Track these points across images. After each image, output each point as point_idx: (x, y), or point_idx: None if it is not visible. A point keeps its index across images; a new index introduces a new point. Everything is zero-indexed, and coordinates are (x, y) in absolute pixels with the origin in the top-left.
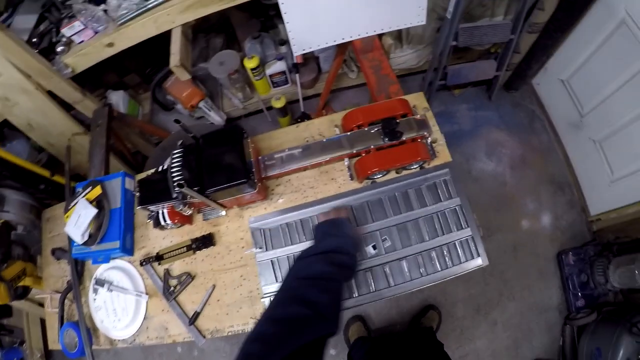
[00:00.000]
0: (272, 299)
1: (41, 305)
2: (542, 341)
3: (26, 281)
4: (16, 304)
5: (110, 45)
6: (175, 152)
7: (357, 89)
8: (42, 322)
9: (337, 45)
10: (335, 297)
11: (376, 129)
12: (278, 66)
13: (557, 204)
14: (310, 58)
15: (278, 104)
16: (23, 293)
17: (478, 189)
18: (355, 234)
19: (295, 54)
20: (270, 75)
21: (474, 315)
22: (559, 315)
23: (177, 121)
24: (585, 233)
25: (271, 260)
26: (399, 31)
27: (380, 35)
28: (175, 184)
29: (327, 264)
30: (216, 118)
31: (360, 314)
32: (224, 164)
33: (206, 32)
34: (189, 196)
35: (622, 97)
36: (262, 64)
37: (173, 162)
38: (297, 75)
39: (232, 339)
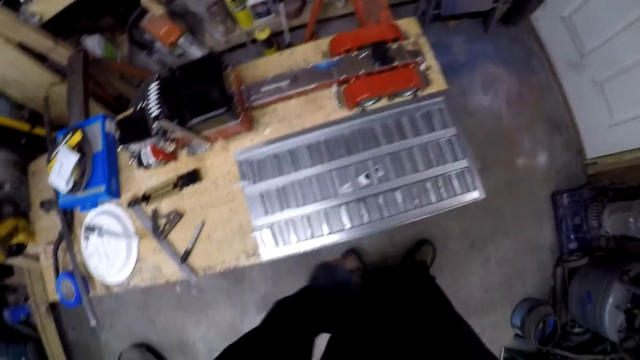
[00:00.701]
0: None
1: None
2: (533, 280)
3: (20, 237)
4: (15, 262)
5: None
6: (151, 86)
7: (346, 19)
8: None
9: None
10: None
11: (365, 54)
12: None
13: (553, 144)
14: None
15: (262, 35)
16: (18, 250)
17: (474, 123)
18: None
19: None
20: (253, 6)
21: (468, 251)
22: (551, 256)
23: (149, 52)
24: (581, 175)
25: (260, 193)
26: None
27: None
28: (152, 117)
29: None
30: (197, 54)
31: (355, 247)
32: (202, 94)
33: None
34: (170, 131)
35: (627, 39)
36: None
37: (149, 97)
38: (281, 4)
39: (229, 275)
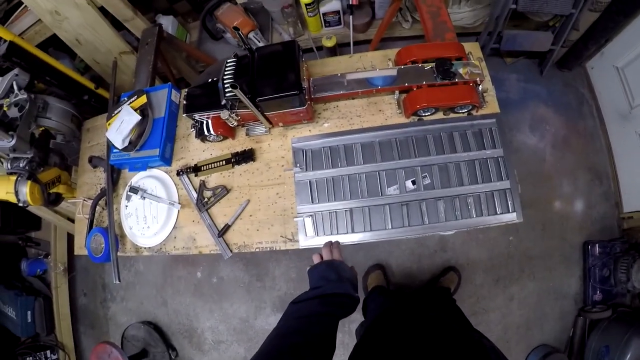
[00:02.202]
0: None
1: (70, 220)
2: (553, 327)
3: (60, 188)
4: (47, 215)
5: None
6: (229, 60)
7: (409, 41)
8: (69, 238)
9: None
10: (329, 330)
11: (429, 67)
12: (333, 5)
13: (592, 193)
14: (365, 2)
15: (329, 43)
16: (56, 199)
17: (517, 160)
18: (352, 275)
19: None
20: (324, 14)
21: (492, 286)
22: (574, 305)
23: (235, 31)
24: (615, 228)
25: (309, 181)
26: None
27: None
28: (227, 85)
29: (324, 305)
30: None
31: (382, 262)
32: (277, 76)
33: None
34: (237, 104)
35: None
36: (317, 1)
37: (226, 69)
38: (351, 16)
39: (252, 270)
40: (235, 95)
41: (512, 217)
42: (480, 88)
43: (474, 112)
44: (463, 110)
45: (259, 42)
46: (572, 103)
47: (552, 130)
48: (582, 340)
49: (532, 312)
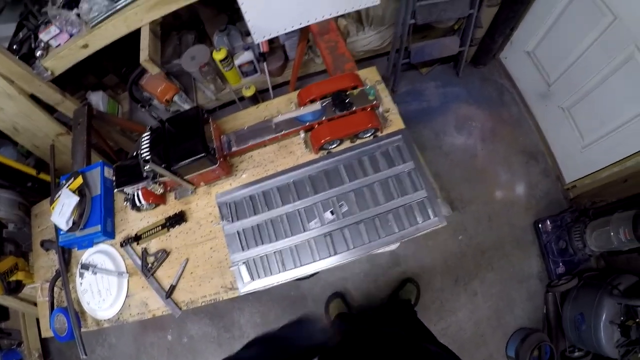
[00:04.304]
0: None
1: (36, 305)
2: (524, 309)
3: (18, 275)
4: (11, 304)
5: (85, 46)
6: (144, 135)
7: (325, 75)
8: (39, 324)
9: (299, 31)
10: None
11: (327, 102)
12: (246, 56)
13: (530, 174)
14: (277, 47)
15: (248, 92)
16: (16, 287)
17: (449, 162)
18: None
19: (256, 42)
20: (239, 66)
21: (453, 287)
22: (540, 283)
23: (142, 105)
24: (562, 201)
25: (237, 231)
26: (359, 14)
27: (335, 18)
28: (143, 161)
29: None
30: None
31: (340, 290)
32: (186, 142)
33: (178, 29)
34: (158, 174)
35: (584, 63)
36: (231, 55)
37: (142, 144)
38: (264, 63)
39: (218, 323)
40: (151, 167)
41: (433, 222)
42: (381, 109)
43: (378, 134)
44: (367, 135)
45: (184, 103)
46: (492, 95)
47: (478, 126)
48: (557, 314)
49: (499, 301)
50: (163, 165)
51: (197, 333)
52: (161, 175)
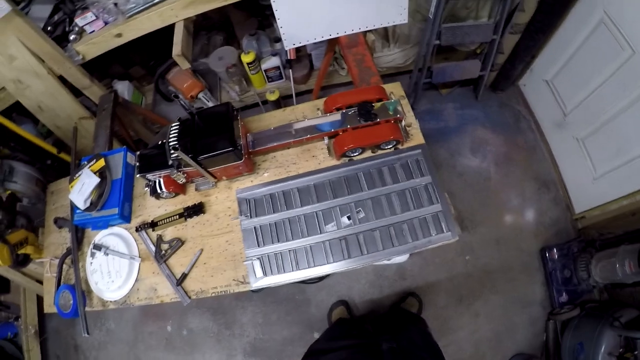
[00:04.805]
0: None
1: (39, 282)
2: (525, 335)
3: (27, 249)
4: (15, 277)
5: (119, 35)
6: (173, 124)
7: (348, 86)
8: (39, 300)
9: (326, 41)
10: None
11: (353, 111)
12: (273, 61)
13: (541, 201)
14: (303, 55)
15: (272, 97)
16: (24, 260)
17: (462, 183)
18: None
19: (286, 48)
20: (266, 70)
21: (457, 306)
22: (542, 310)
23: (175, 96)
24: (570, 230)
25: (254, 227)
26: (386, 31)
27: (364, 33)
28: (172, 148)
29: None
30: None
31: (344, 298)
32: (214, 135)
33: (208, 30)
34: (183, 164)
35: (601, 95)
36: (258, 59)
37: (171, 133)
38: (290, 70)
39: (220, 319)
40: (179, 155)
41: (446, 236)
42: (403, 123)
43: (399, 147)
44: (389, 146)
45: (209, 101)
46: (509, 121)
47: (493, 150)
48: (556, 342)
49: (501, 324)
50: (190, 156)
51: (197, 327)
52: (186, 165)
